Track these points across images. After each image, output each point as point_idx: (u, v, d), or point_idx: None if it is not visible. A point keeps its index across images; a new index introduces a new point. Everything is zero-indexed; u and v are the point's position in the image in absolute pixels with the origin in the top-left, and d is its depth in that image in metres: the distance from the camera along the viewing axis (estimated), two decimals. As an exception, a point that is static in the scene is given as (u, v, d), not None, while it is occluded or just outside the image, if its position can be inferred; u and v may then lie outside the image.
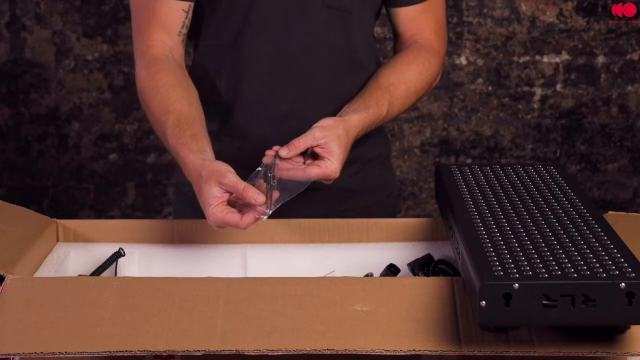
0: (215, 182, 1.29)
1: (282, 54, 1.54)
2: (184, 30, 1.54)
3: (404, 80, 1.55)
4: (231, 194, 1.30)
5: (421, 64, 1.58)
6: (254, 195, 1.27)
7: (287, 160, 1.37)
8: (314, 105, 1.56)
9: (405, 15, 1.61)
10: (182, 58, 1.54)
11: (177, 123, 1.41)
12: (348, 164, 1.44)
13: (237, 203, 1.31)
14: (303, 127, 1.43)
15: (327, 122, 1.41)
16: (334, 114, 1.50)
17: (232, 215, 1.28)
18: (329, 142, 1.37)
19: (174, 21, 1.52)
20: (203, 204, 1.30)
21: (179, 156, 1.38)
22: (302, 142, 1.37)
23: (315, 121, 1.42)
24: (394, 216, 1.73)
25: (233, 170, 1.30)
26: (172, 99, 1.45)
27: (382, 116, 1.50)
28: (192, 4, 1.53)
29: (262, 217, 1.29)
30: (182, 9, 1.52)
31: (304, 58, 1.55)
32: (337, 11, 1.55)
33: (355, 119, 1.44)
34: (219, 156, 1.38)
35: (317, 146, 1.37)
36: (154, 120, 1.46)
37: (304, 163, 1.38)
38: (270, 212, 1.30)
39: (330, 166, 1.36)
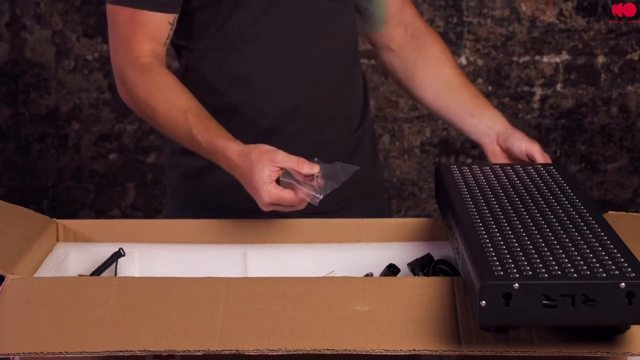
0: (269, 160, 1.32)
1: (288, 51, 1.55)
2: (168, 41, 1.55)
3: (461, 75, 1.69)
4: (280, 170, 1.32)
5: (451, 58, 1.70)
6: (309, 166, 1.32)
7: None
8: (322, 98, 1.58)
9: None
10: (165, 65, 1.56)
11: (199, 119, 1.43)
12: None
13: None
14: (311, 121, 1.50)
15: (516, 135, 1.58)
16: (341, 106, 1.58)
17: (288, 192, 1.32)
18: (524, 144, 1.55)
19: (160, 33, 1.52)
20: (255, 185, 1.32)
21: (215, 147, 1.40)
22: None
23: (324, 114, 1.51)
24: (385, 208, 1.76)
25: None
26: (183, 99, 1.46)
27: None
28: (177, 15, 1.54)
29: (313, 202, 1.32)
30: (168, 22, 1.52)
31: (310, 54, 1.56)
32: (338, 4, 1.59)
33: (501, 117, 1.62)
34: None
35: (528, 155, 1.54)
36: (168, 123, 1.46)
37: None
38: (321, 197, 1.33)
39: (543, 154, 1.53)
